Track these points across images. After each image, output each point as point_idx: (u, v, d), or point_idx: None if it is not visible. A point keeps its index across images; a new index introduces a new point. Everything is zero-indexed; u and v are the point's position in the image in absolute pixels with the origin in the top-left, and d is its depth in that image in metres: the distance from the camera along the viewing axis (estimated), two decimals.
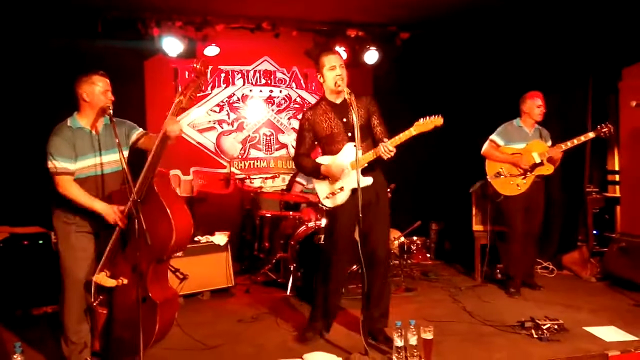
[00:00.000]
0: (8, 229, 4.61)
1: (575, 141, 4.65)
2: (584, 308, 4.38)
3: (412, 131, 3.42)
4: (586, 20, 5.37)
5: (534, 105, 4.83)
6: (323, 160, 3.67)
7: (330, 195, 3.66)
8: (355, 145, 3.43)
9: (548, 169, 4.79)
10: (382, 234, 3.64)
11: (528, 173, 4.79)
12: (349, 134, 3.59)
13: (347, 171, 3.57)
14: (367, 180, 3.51)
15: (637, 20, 4.99)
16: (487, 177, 4.96)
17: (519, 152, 4.85)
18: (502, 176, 4.87)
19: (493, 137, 4.97)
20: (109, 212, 3.07)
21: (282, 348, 3.70)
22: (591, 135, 4.65)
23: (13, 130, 5.24)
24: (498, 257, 5.31)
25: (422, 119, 3.43)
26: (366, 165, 3.50)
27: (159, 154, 3.06)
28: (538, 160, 4.75)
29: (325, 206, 3.72)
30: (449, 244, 6.52)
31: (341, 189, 3.61)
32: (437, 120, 3.42)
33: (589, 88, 5.69)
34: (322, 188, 3.70)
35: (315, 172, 3.65)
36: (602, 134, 4.63)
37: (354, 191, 3.56)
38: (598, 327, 3.87)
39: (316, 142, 3.76)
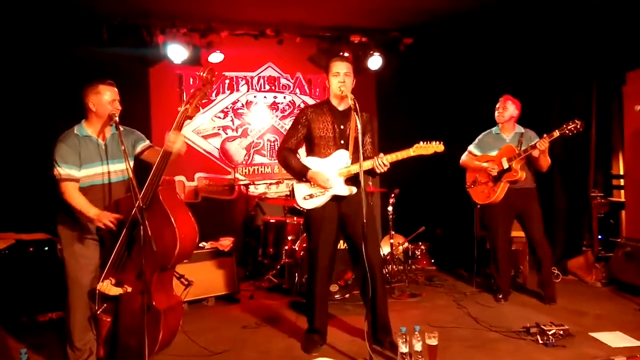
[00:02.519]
0: (14, 236, 4.63)
1: (539, 145, 4.42)
2: (589, 313, 4.37)
3: (411, 152, 3.44)
4: (590, 25, 5.37)
5: (495, 109, 4.82)
6: (309, 162, 3.65)
7: (308, 197, 3.64)
8: (348, 154, 3.48)
9: (516, 175, 4.60)
10: (372, 242, 3.61)
11: (498, 180, 4.70)
12: (342, 142, 3.61)
13: (331, 180, 3.57)
14: (352, 190, 3.54)
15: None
16: (466, 186, 5.00)
17: (492, 159, 4.80)
18: (477, 184, 4.88)
19: (470, 147, 5.00)
20: (101, 215, 3.06)
21: (287, 354, 3.70)
22: (556, 134, 4.39)
23: (18, 137, 5.27)
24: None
25: (422, 142, 3.45)
26: (353, 174, 3.51)
27: (161, 168, 3.07)
28: (506, 166, 4.64)
29: (301, 207, 3.72)
30: (452, 250, 6.49)
31: (321, 192, 3.60)
32: (437, 147, 3.45)
33: (592, 92, 5.68)
34: (301, 188, 3.69)
35: (300, 175, 3.64)
36: (567, 131, 4.36)
37: (334, 198, 3.59)
38: (604, 332, 3.86)
39: (305, 141, 3.75)
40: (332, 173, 3.59)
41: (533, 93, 5.04)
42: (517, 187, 4.69)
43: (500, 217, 4.81)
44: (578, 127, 4.34)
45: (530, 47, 5.95)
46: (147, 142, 3.47)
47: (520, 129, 4.82)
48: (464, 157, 5.03)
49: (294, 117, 3.86)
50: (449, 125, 6.34)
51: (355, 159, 3.51)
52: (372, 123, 3.79)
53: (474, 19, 5.87)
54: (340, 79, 3.55)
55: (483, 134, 4.98)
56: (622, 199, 5.69)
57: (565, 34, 5.63)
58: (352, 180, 3.57)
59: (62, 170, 3.12)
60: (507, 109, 4.75)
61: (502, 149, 4.75)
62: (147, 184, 3.05)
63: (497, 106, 4.82)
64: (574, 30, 5.54)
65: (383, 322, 3.68)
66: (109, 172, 3.26)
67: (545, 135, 4.45)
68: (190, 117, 3.22)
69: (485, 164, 4.79)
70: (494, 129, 4.92)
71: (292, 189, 3.78)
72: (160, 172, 3.07)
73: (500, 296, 4.81)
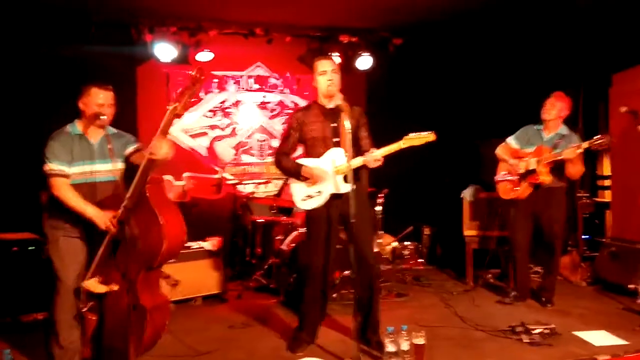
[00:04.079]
0: None
1: (565, 154, 4.26)
2: (574, 312, 4.41)
3: (402, 144, 3.44)
4: (577, 28, 5.41)
5: (543, 105, 4.58)
6: (305, 162, 3.66)
7: (306, 197, 3.65)
8: (343, 151, 3.47)
9: (538, 178, 4.44)
10: (368, 240, 3.65)
11: (523, 180, 4.56)
12: (336, 140, 3.60)
13: (328, 176, 3.57)
14: (350, 187, 3.53)
15: (626, 28, 5.05)
16: (495, 178, 4.86)
17: (524, 155, 4.61)
18: (504, 179, 4.74)
19: (509, 139, 4.78)
20: (100, 217, 3.05)
21: (274, 354, 3.69)
22: (585, 145, 4.24)
23: (3, 136, 5.21)
24: (490, 262, 5.33)
25: (413, 133, 3.44)
26: (351, 170, 3.50)
27: (144, 175, 3.01)
28: (532, 167, 4.47)
29: (299, 208, 3.73)
30: (440, 249, 6.53)
31: (319, 192, 3.61)
32: (429, 137, 3.43)
33: (579, 95, 5.73)
34: (298, 190, 3.69)
35: (296, 173, 3.64)
36: (594, 145, 4.21)
37: (332, 196, 3.59)
38: (588, 331, 3.90)
39: (300, 143, 3.76)
40: (328, 172, 3.59)
41: (522, 94, 5.06)
42: (542, 187, 4.51)
43: (521, 216, 4.65)
44: (607, 142, 4.18)
45: (518, 48, 5.98)
46: (137, 144, 3.44)
47: (564, 130, 4.56)
48: (498, 149, 4.82)
49: (285, 123, 3.86)
50: (440, 125, 6.35)
51: (349, 157, 3.50)
52: (366, 117, 3.75)
53: (463, 22, 5.89)
54: (328, 77, 3.55)
55: (524, 127, 4.73)
56: (608, 200, 5.75)
57: (553, 36, 5.67)
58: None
59: (53, 165, 3.12)
60: (555, 106, 4.51)
61: (536, 149, 4.55)
62: (132, 188, 3.01)
63: (544, 102, 4.57)
64: (562, 32, 5.58)
65: (374, 322, 3.69)
66: (93, 172, 3.25)
67: (573, 146, 4.29)
68: (179, 116, 3.19)
69: (512, 161, 4.64)
70: (537, 124, 4.67)
71: (287, 190, 3.77)
72: (144, 178, 3.01)
73: (512, 295, 4.72)
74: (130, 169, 3.34)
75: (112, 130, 3.28)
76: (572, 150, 4.26)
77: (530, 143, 4.64)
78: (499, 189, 4.81)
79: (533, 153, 4.56)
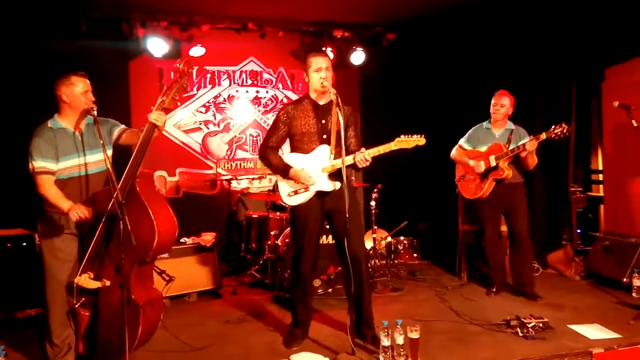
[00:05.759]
0: None
1: (528, 146, 4.40)
2: (568, 306, 4.43)
3: (392, 146, 3.45)
4: (571, 21, 5.42)
5: (492, 104, 4.76)
6: (293, 159, 3.66)
7: (292, 193, 3.65)
8: (330, 149, 3.51)
9: (502, 174, 4.61)
10: (357, 236, 3.63)
11: (485, 177, 4.72)
12: (324, 136, 3.60)
13: (314, 176, 3.57)
14: (336, 185, 3.54)
15: (618, 22, 5.06)
16: (455, 180, 5.05)
17: (480, 155, 4.78)
18: (465, 179, 4.91)
19: (460, 141, 4.99)
20: (72, 209, 2.96)
21: (269, 349, 3.69)
22: (543, 136, 4.38)
23: None
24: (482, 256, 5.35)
25: (404, 135, 3.45)
26: (336, 169, 3.50)
27: (144, 145, 3.05)
28: (493, 164, 4.64)
29: (285, 204, 3.74)
30: (435, 244, 6.52)
31: (305, 188, 3.61)
32: (419, 140, 3.45)
33: (572, 90, 5.74)
34: (285, 185, 3.69)
35: (283, 173, 3.64)
36: (553, 135, 4.35)
37: (318, 194, 3.60)
38: (582, 325, 3.91)
39: (288, 138, 3.75)
40: (315, 169, 3.58)
41: (516, 88, 5.05)
42: (504, 182, 4.68)
43: (489, 212, 4.82)
44: (565, 131, 4.32)
45: (511, 43, 5.98)
46: (123, 126, 3.43)
47: (510, 125, 4.77)
48: (453, 151, 5.02)
49: (275, 115, 3.84)
50: (433, 120, 6.37)
51: (338, 153, 3.50)
52: (357, 116, 3.75)
53: (457, 16, 5.89)
54: (322, 74, 3.54)
55: (473, 128, 4.94)
56: (601, 194, 5.78)
57: (546, 30, 5.67)
58: (336, 175, 3.56)
59: (37, 163, 3.08)
60: (504, 105, 4.70)
61: (491, 146, 4.73)
62: (129, 164, 3.02)
63: (493, 102, 4.75)
64: (554, 27, 5.59)
65: (367, 316, 3.70)
66: (85, 164, 3.22)
67: (532, 137, 4.44)
68: (168, 110, 3.20)
69: (471, 162, 4.79)
70: (484, 123, 4.87)
71: (276, 185, 3.78)
72: (143, 149, 3.04)
73: (494, 289, 4.84)
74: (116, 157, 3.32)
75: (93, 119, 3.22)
76: (533, 142, 4.40)
77: (482, 142, 4.83)
78: (461, 190, 5.01)
79: (490, 150, 4.72)
